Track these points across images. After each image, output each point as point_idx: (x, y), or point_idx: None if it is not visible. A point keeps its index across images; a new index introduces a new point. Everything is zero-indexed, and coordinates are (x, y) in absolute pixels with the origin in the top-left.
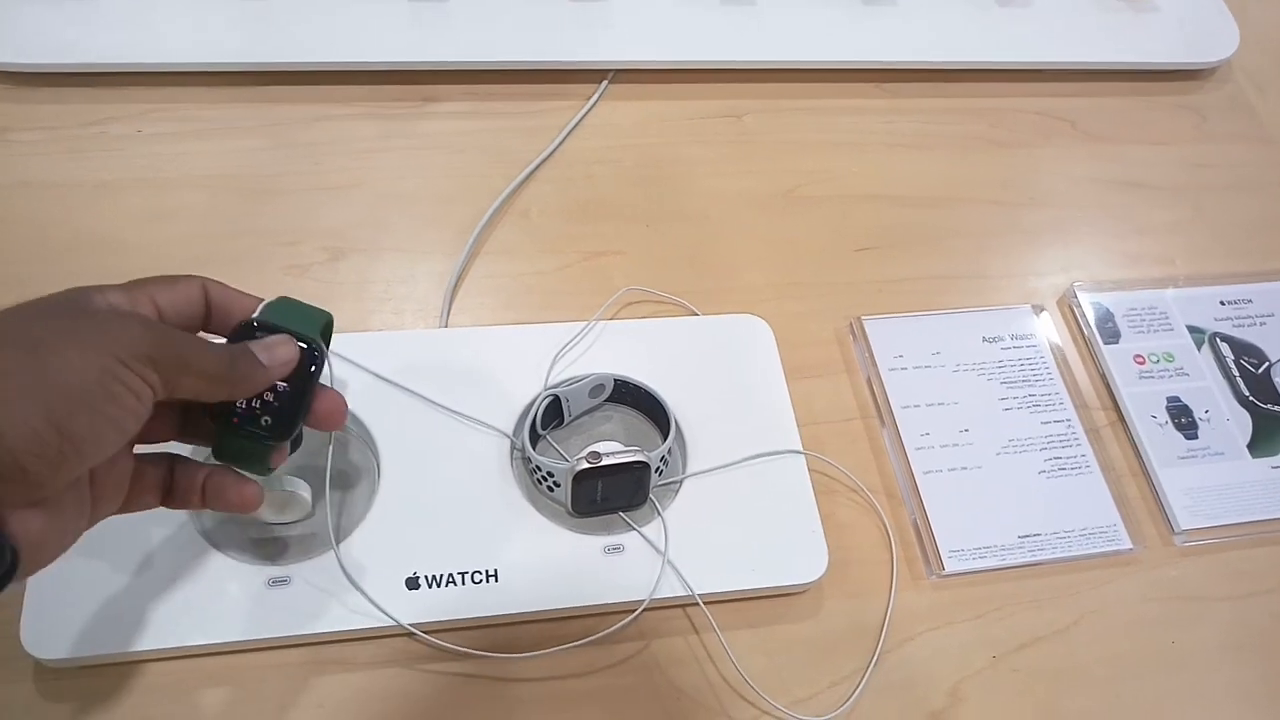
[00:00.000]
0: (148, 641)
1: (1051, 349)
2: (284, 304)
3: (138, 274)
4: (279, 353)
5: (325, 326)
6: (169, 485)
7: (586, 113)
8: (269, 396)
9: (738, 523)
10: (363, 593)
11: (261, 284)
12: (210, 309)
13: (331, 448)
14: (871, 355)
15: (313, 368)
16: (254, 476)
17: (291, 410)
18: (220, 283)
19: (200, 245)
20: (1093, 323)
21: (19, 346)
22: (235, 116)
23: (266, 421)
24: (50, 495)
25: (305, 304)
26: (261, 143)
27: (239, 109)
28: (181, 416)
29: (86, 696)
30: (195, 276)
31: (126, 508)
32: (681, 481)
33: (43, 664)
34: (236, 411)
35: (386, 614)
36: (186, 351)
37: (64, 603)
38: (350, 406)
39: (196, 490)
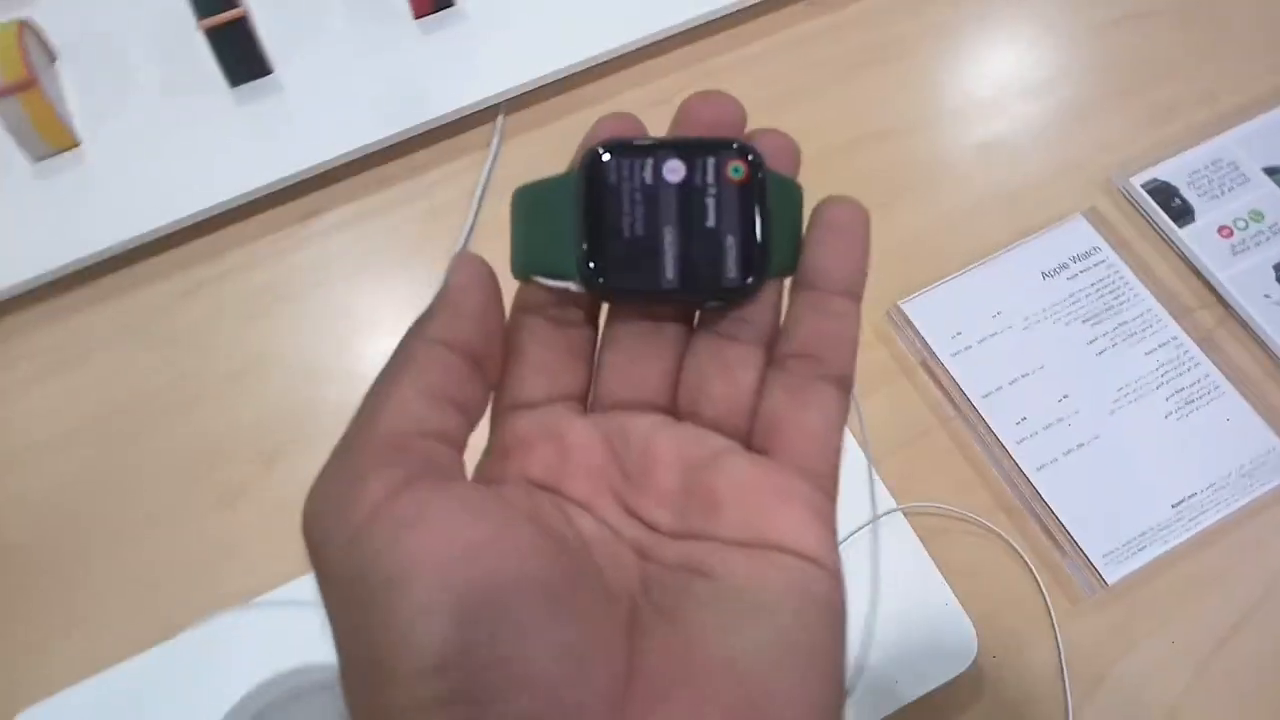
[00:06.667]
0: None
1: (1124, 258)
2: None
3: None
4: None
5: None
6: None
7: (495, 159)
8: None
9: (854, 627)
10: None
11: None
12: None
13: None
14: (925, 343)
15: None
16: None
17: None
18: None
19: (98, 502)
20: (1156, 205)
21: None
22: (86, 330)
23: None
24: None
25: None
26: (128, 351)
27: (87, 319)
28: None
29: None
30: None
31: None
32: None
33: None
34: None
35: None
36: None
37: None
38: None
39: None
